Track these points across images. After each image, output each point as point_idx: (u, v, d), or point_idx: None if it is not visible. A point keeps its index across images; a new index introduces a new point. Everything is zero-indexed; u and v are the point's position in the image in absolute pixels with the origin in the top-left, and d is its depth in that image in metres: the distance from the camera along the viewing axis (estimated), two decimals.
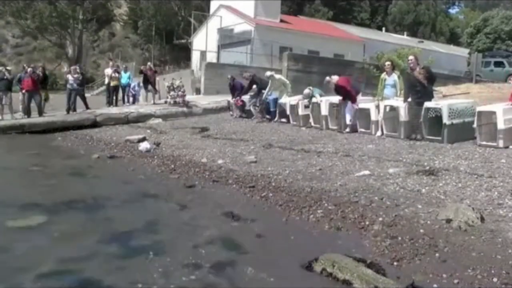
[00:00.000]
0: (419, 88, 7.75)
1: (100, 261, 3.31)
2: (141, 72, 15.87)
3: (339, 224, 4.09)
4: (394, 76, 9.00)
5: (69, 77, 14.03)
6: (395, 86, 8.92)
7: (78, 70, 14.46)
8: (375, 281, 2.82)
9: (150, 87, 15.63)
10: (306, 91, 10.67)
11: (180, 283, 2.97)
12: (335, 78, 9.50)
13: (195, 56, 26.45)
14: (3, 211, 4.66)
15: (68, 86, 13.88)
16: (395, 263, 3.19)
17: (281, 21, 28.44)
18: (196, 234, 3.97)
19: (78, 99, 13.81)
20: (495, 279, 2.89)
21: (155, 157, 7.76)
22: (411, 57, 8.26)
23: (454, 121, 7.36)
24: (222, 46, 24.91)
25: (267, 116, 11.62)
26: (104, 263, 3.27)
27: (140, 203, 5.10)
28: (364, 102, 9.22)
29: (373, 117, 8.57)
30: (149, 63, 17.56)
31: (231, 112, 13.20)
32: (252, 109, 12.08)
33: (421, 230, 3.70)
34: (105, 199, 5.24)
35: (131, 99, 16.61)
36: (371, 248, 3.53)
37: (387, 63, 9.41)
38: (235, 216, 4.43)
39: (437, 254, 3.28)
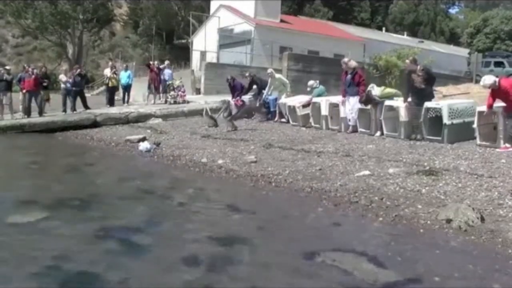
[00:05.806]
0: (417, 90, 7.75)
1: (99, 257, 3.31)
2: (148, 65, 15.96)
3: (339, 220, 4.10)
4: None
5: (62, 77, 13.95)
6: None
7: (76, 71, 14.39)
8: (375, 274, 2.86)
9: (152, 87, 15.57)
10: (311, 82, 10.69)
11: (180, 277, 2.96)
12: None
13: (195, 56, 26.42)
14: (3, 207, 4.66)
15: (63, 86, 13.82)
16: (397, 258, 3.21)
17: (281, 21, 28.40)
18: (196, 229, 3.97)
19: (78, 99, 13.77)
20: (495, 275, 2.90)
21: (155, 156, 7.79)
22: (407, 61, 8.30)
23: (454, 121, 7.36)
24: (222, 46, 24.88)
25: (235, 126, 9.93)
26: (102, 259, 3.26)
27: (139, 200, 5.10)
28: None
29: (372, 116, 8.56)
30: (156, 62, 17.41)
31: None
32: (222, 117, 10.38)
33: (421, 230, 3.71)
34: (105, 196, 5.25)
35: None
36: (371, 241, 3.54)
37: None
38: (236, 210, 4.46)
39: (437, 251, 3.31)
